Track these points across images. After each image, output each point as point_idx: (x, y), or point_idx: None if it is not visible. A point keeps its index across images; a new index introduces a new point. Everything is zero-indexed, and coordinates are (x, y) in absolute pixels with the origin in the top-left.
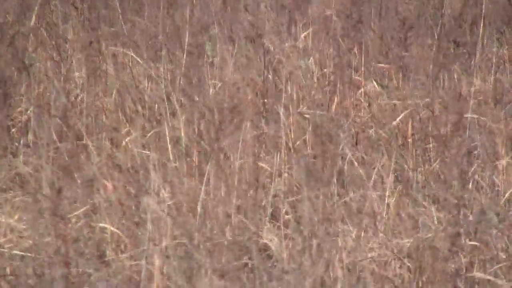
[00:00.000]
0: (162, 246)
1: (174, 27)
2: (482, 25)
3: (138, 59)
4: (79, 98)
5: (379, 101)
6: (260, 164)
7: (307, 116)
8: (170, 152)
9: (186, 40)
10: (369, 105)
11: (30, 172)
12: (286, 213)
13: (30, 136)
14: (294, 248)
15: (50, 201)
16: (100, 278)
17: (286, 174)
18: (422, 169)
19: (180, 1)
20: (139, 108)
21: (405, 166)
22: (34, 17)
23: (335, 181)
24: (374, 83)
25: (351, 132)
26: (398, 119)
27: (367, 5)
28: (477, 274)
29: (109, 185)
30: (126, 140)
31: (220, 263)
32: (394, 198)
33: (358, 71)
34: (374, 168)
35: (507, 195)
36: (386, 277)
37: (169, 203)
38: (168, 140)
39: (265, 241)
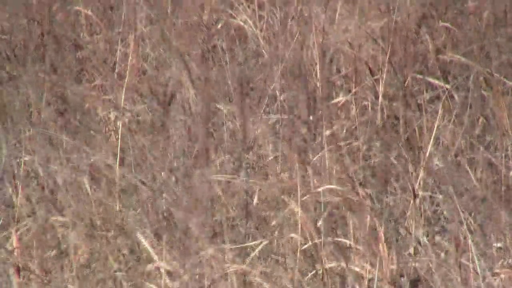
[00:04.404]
0: (137, 30)
1: None
2: None
3: None
4: None
5: None
6: None
7: None
8: None
9: None
10: None
11: None
12: None
13: None
14: (269, 31)
15: None
16: (74, 62)
17: None
18: None
19: None
20: None
21: None
22: None
23: None
24: None
25: None
26: None
27: None
28: (449, 54)
29: None
30: None
31: (191, 45)
32: None
33: None
34: None
35: None
36: (359, 58)
37: None
38: None
39: (239, 22)
